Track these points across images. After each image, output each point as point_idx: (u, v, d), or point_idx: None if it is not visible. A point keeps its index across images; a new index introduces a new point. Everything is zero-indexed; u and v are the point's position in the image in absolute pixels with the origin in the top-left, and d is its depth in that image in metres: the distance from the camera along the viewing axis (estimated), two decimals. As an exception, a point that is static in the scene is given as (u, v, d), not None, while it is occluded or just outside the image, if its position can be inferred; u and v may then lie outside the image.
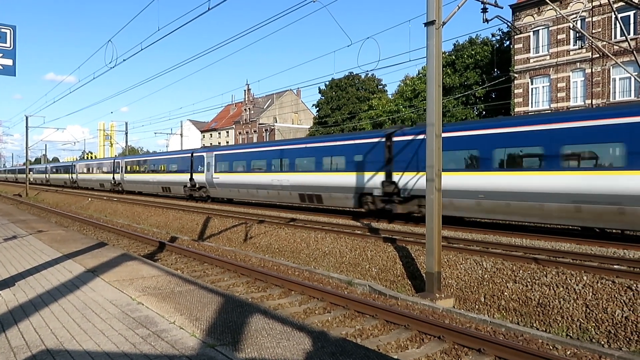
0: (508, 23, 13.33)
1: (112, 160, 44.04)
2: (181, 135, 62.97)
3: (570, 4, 29.38)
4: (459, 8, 10.27)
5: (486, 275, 9.76)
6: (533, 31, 31.73)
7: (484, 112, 38.78)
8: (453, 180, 15.01)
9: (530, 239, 12.90)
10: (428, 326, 7.03)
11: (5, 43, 7.21)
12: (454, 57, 39.53)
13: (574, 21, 21.39)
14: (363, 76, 59.55)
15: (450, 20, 9.86)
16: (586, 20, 28.88)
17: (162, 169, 34.70)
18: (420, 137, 15.89)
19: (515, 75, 32.45)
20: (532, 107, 31.83)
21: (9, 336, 4.71)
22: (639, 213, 11.49)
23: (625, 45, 21.56)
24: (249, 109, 76.64)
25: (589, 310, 7.97)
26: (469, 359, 6.25)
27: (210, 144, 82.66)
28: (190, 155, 30.88)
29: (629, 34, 26.15)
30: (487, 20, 11.63)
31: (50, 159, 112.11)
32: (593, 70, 29.01)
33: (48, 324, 5.13)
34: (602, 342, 7.38)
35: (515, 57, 32.60)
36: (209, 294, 6.61)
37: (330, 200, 20.32)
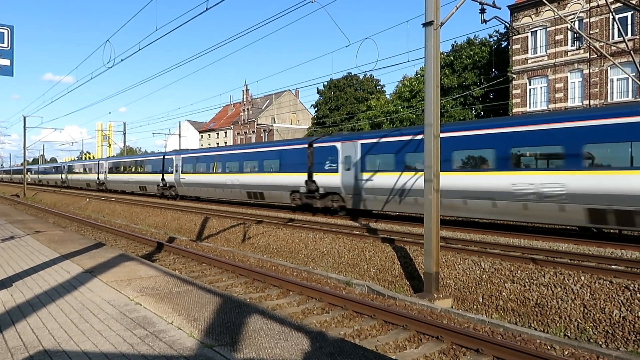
0: (506, 24, 13.35)
1: (97, 162, 47.74)
2: (179, 135, 62.89)
3: (568, 5, 29.45)
4: (457, 9, 10.29)
5: (484, 276, 9.78)
6: (531, 32, 31.79)
7: (482, 113, 38.81)
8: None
9: (528, 239, 12.92)
10: (426, 326, 7.04)
11: (3, 43, 7.20)
12: (452, 57, 39.55)
13: (571, 22, 21.46)
14: (361, 77, 59.57)
15: (448, 21, 9.89)
16: (584, 21, 28.95)
17: (140, 169, 38.45)
18: (330, 144, 20.04)
19: (513, 75, 32.51)
20: (530, 107, 31.90)
21: (6, 337, 4.69)
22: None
23: (622, 46, 21.64)
24: (248, 109, 76.60)
25: (586, 310, 7.98)
26: (467, 359, 6.25)
27: (209, 144, 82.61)
28: (162, 157, 34.75)
29: (626, 35, 26.25)
30: (485, 21, 11.65)
31: (48, 160, 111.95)
32: (591, 71, 29.08)
33: (46, 324, 5.11)
34: (600, 342, 7.40)
35: (513, 58, 32.66)
36: (207, 294, 6.61)
37: (270, 197, 23.70)
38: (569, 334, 7.79)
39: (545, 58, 31.14)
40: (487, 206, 14.26)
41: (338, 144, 19.62)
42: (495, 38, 39.70)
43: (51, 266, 8.42)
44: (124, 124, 58.39)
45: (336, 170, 19.53)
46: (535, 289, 8.86)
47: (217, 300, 6.22)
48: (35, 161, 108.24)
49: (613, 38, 27.86)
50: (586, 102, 29.13)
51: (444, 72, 37.92)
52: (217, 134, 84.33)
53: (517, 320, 8.51)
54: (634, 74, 20.16)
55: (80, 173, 51.59)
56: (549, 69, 30.91)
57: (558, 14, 15.63)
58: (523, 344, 7.02)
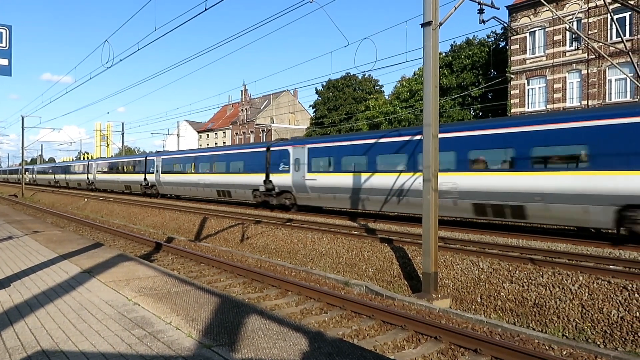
0: (504, 24, 13.37)
1: (87, 163, 50.06)
2: (178, 135, 62.85)
3: (566, 5, 29.50)
4: (455, 9, 10.30)
5: (482, 276, 9.78)
6: (529, 32, 31.83)
7: (480, 113, 38.85)
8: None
9: (526, 240, 12.94)
10: (425, 326, 7.04)
11: (1, 43, 7.19)
12: (450, 57, 39.58)
13: (570, 22, 21.50)
14: (360, 77, 59.55)
15: (447, 21, 9.90)
16: (582, 21, 28.99)
17: (125, 170, 40.59)
18: (283, 148, 22.22)
19: (512, 76, 32.55)
20: (528, 108, 31.94)
21: (4, 337, 4.68)
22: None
23: (621, 46, 21.69)
24: (246, 109, 76.56)
25: (585, 310, 7.99)
26: (465, 359, 6.26)
27: (207, 144, 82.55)
28: (144, 159, 37.05)
29: (624, 35, 26.33)
30: (483, 21, 11.67)
31: (47, 160, 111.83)
32: (589, 71, 29.13)
33: (44, 324, 5.10)
34: (598, 342, 7.40)
35: (512, 58, 32.70)
36: (205, 294, 6.60)
37: (236, 195, 25.99)
38: (567, 334, 7.80)
39: (544, 58, 31.18)
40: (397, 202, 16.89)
41: (290, 148, 21.92)
42: (494, 38, 39.77)
43: (49, 266, 8.41)
44: (123, 124, 58.42)
45: (288, 172, 21.86)
46: (534, 289, 8.87)
47: (215, 301, 6.21)
48: (33, 161, 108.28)
49: (611, 38, 27.91)
50: (584, 102, 29.19)
51: (442, 72, 37.95)
52: (216, 134, 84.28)
53: (516, 320, 8.52)
54: (632, 74, 20.21)
55: (72, 173, 53.76)
56: (548, 70, 30.95)
57: (556, 15, 15.65)
58: (521, 344, 7.02)
